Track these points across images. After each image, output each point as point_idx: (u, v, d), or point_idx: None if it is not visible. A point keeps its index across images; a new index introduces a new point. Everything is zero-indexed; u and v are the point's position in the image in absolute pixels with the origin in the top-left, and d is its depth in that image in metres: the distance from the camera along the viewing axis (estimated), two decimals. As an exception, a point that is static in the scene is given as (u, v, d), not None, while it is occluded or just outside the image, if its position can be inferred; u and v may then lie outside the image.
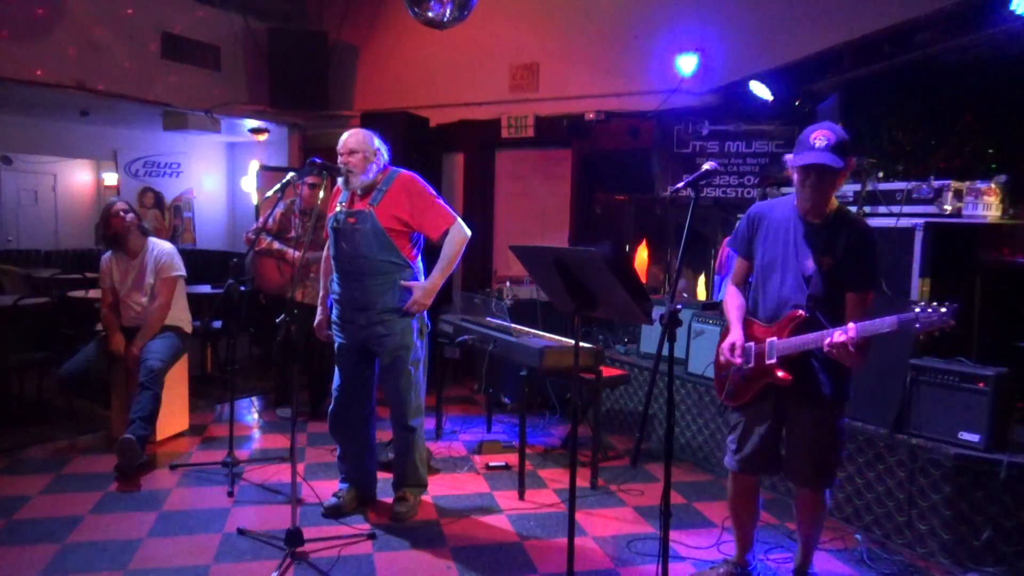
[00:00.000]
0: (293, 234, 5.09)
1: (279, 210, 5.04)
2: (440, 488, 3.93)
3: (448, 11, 4.59)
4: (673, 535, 3.31)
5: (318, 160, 3.27)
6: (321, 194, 3.36)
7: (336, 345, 3.53)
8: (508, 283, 5.90)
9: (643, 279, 6.02)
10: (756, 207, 2.84)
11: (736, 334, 2.71)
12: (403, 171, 3.47)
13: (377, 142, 3.43)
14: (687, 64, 5.63)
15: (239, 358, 6.16)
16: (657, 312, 2.45)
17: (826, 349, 2.41)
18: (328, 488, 3.75)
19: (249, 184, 9.20)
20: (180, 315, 4.57)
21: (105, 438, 4.55)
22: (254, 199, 8.68)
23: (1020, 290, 3.71)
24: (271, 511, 3.59)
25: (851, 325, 2.35)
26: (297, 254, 4.95)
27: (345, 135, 3.42)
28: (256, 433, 4.93)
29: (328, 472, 4.07)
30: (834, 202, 2.61)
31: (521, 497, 3.86)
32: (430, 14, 4.61)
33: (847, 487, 3.56)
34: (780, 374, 2.58)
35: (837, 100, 4.51)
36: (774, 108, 5.14)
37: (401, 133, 6.17)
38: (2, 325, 5.25)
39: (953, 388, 3.22)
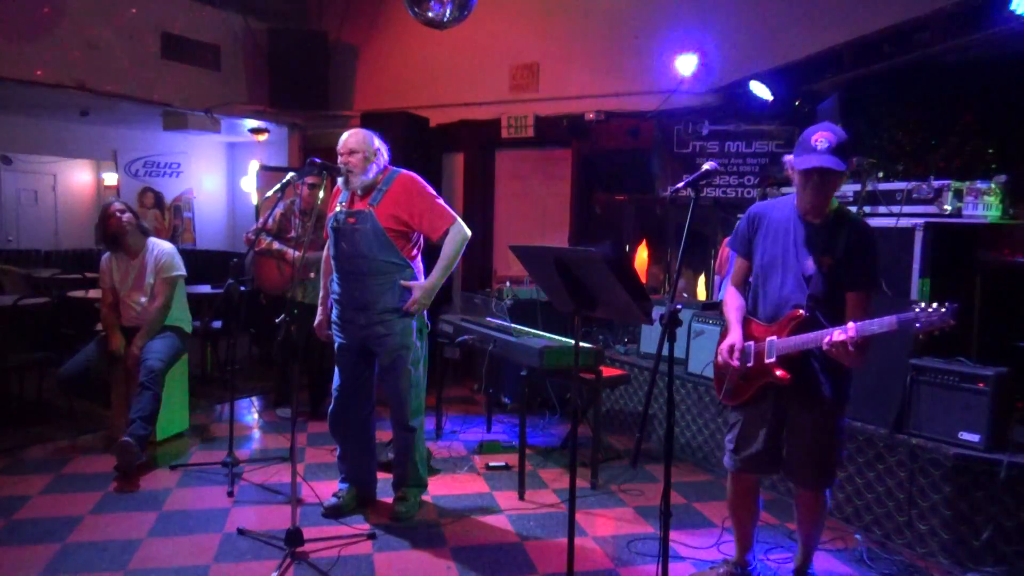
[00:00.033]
0: (293, 234, 5.09)
1: (279, 210, 5.04)
2: (440, 488, 3.94)
3: (448, 11, 4.60)
4: (673, 535, 3.31)
5: (318, 160, 3.27)
6: (321, 194, 3.36)
7: (336, 345, 3.53)
8: (508, 283, 5.90)
9: (643, 279, 6.02)
10: (756, 207, 2.84)
11: (735, 335, 2.71)
12: (403, 171, 3.47)
13: (377, 142, 3.43)
14: (687, 64, 5.63)
15: (239, 358, 6.16)
16: (657, 312, 2.45)
17: (825, 348, 2.41)
18: (328, 488, 3.75)
19: (249, 184, 9.20)
20: (180, 315, 4.57)
21: (105, 438, 4.55)
22: (254, 199, 8.68)
23: (1020, 290, 3.71)
24: (271, 511, 3.59)
25: (851, 324, 2.35)
26: (297, 254, 4.95)
27: (345, 135, 3.42)
28: (256, 433, 4.93)
29: (328, 472, 4.07)
30: (834, 202, 2.61)
31: (521, 497, 3.86)
32: (430, 14, 4.62)
33: (847, 487, 3.56)
34: (779, 373, 2.58)
35: (837, 100, 4.51)
36: (774, 108, 5.14)
37: (401, 133, 6.17)
38: (2, 325, 5.25)
39: (953, 388, 3.22)
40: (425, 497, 3.76)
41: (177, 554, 3.10)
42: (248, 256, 5.10)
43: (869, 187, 3.91)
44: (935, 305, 2.19)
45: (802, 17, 5.11)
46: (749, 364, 2.67)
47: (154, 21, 6.73)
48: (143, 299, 4.38)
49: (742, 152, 5.38)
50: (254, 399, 5.72)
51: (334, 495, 3.60)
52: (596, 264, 2.52)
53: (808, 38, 4.89)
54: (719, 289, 5.10)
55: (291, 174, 3.61)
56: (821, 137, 2.45)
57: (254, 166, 8.67)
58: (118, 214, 4.30)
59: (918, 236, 3.65)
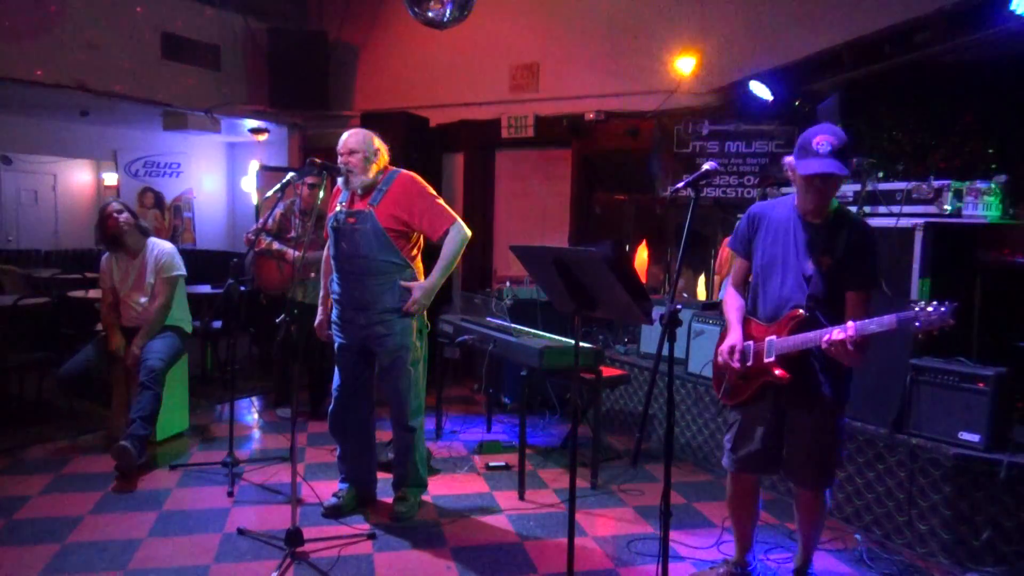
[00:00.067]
0: (293, 234, 5.09)
1: (279, 210, 5.04)
2: (440, 488, 3.93)
3: (448, 11, 4.60)
4: (673, 535, 3.31)
5: (318, 160, 3.27)
6: (321, 194, 3.35)
7: (336, 345, 3.53)
8: (508, 283, 5.90)
9: (643, 279, 6.02)
10: (756, 207, 2.84)
11: (735, 336, 2.71)
12: (403, 171, 3.48)
13: (377, 142, 3.43)
14: (687, 64, 5.63)
15: (239, 358, 6.16)
16: (657, 312, 2.45)
17: (824, 347, 2.41)
18: (328, 488, 3.75)
19: (249, 184, 9.20)
20: (180, 315, 4.57)
21: (105, 438, 4.55)
22: (254, 199, 8.68)
23: (1020, 290, 3.71)
24: (271, 511, 3.59)
25: (850, 324, 2.35)
26: (297, 254, 4.95)
27: (345, 135, 3.42)
28: (256, 433, 4.93)
29: (328, 472, 4.07)
30: (834, 202, 2.61)
31: (521, 497, 3.86)
32: (430, 14, 4.62)
33: (847, 487, 3.56)
34: (778, 372, 2.58)
35: (837, 100, 4.51)
36: (774, 108, 5.14)
37: (401, 133, 6.17)
38: (2, 325, 5.25)
39: (953, 388, 3.22)
40: (425, 497, 3.76)
41: (177, 554, 3.10)
42: (248, 256, 5.09)
43: (869, 187, 3.91)
44: (935, 304, 2.18)
45: (802, 17, 5.11)
46: (748, 364, 2.67)
47: (154, 21, 6.73)
48: (143, 299, 4.38)
49: (742, 152, 5.38)
50: (254, 399, 5.72)
51: (334, 495, 3.60)
52: (596, 264, 2.52)
53: (808, 38, 4.89)
54: (719, 289, 5.10)
55: (291, 174, 3.60)
56: (823, 140, 2.44)
57: (254, 166, 8.67)
58: (115, 215, 4.30)
59: (918, 236, 3.64)
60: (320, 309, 3.66)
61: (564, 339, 4.25)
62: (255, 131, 8.08)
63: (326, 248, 3.57)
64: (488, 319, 5.05)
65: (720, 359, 2.73)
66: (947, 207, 3.62)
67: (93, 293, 5.55)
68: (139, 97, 6.72)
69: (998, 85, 4.13)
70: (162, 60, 6.82)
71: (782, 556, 3.23)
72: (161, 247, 4.45)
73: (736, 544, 2.98)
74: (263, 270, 5.21)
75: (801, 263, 2.60)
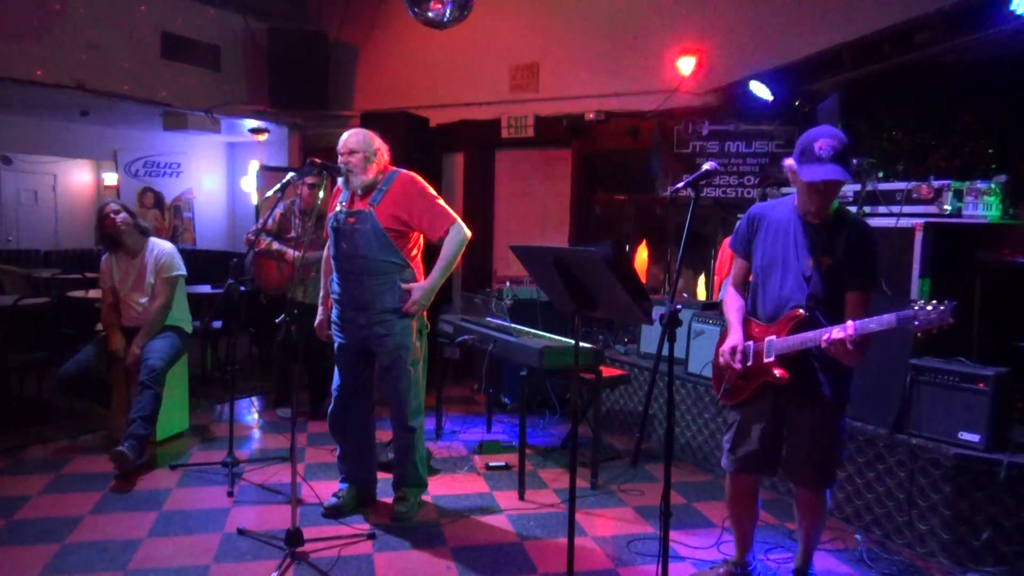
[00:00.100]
0: (293, 234, 5.09)
1: (279, 210, 5.04)
2: (440, 488, 3.93)
3: (448, 11, 4.60)
4: (673, 535, 3.31)
5: (318, 160, 3.27)
6: (321, 194, 3.36)
7: (336, 345, 3.53)
8: (508, 283, 5.90)
9: (643, 279, 6.02)
10: (756, 208, 2.84)
11: (736, 336, 2.71)
12: (403, 171, 3.47)
13: (377, 142, 3.43)
14: (687, 64, 5.63)
15: (239, 358, 6.16)
16: (657, 312, 2.45)
17: (824, 346, 2.41)
18: (328, 488, 3.75)
19: (249, 184, 9.20)
20: (180, 315, 4.57)
21: (105, 438, 4.55)
22: (254, 199, 8.68)
23: (1020, 290, 3.71)
24: (271, 511, 3.59)
25: (850, 323, 2.35)
26: (297, 254, 4.95)
27: (345, 135, 3.42)
28: (256, 433, 4.93)
29: (328, 472, 4.07)
30: (834, 202, 2.61)
31: (521, 497, 3.86)
32: (430, 14, 4.62)
33: (847, 487, 3.56)
34: (777, 372, 2.58)
35: (837, 100, 4.51)
36: (774, 108, 5.14)
37: (401, 133, 6.17)
38: (2, 325, 5.25)
39: (953, 388, 3.22)
40: (425, 497, 3.76)
41: (177, 554, 3.10)
42: (248, 256, 5.09)
43: (869, 187, 3.91)
44: (934, 303, 2.18)
45: (802, 17, 5.11)
46: (748, 363, 2.67)
47: (154, 21, 6.73)
48: (143, 299, 4.38)
49: (742, 152, 5.39)
50: (254, 399, 5.72)
51: (334, 495, 3.59)
52: (596, 264, 2.52)
53: (808, 38, 4.89)
54: (719, 289, 5.10)
55: (291, 174, 3.61)
56: (824, 144, 2.43)
57: (254, 166, 8.67)
58: (112, 215, 4.29)
59: (918, 236, 3.65)
60: (320, 309, 3.66)
61: (564, 339, 4.25)
62: (255, 131, 8.07)
63: (326, 248, 3.57)
64: (488, 319, 5.05)
65: (721, 359, 2.73)
66: (947, 207, 3.62)
67: (93, 293, 5.55)
68: (139, 97, 6.72)
69: (998, 85, 4.13)
70: (162, 60, 6.82)
71: (782, 556, 3.23)
72: (161, 247, 4.45)
73: (736, 544, 2.98)
74: (263, 270, 5.22)
75: (801, 263, 2.60)
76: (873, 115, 4.56)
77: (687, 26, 5.71)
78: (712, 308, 4.59)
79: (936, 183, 3.68)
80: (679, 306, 2.31)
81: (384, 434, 3.82)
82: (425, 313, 3.51)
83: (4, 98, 6.91)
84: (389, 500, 3.64)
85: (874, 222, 3.80)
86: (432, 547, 3.26)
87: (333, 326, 3.54)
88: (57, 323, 5.71)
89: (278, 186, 3.57)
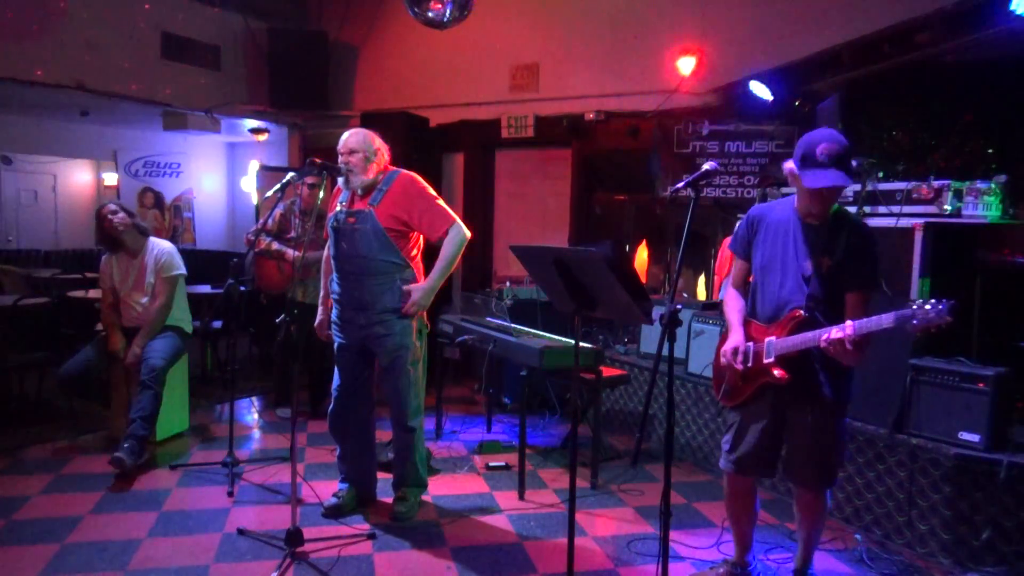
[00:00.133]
0: (293, 234, 5.09)
1: (279, 211, 5.04)
2: (440, 488, 3.93)
3: (448, 11, 4.60)
4: (673, 535, 3.31)
5: (318, 160, 3.27)
6: (321, 194, 3.36)
7: (336, 345, 3.53)
8: (508, 283, 5.90)
9: (643, 279, 6.02)
10: (755, 209, 2.84)
11: (737, 337, 2.71)
12: (403, 171, 3.47)
13: (378, 142, 3.43)
14: (687, 64, 5.63)
15: (239, 358, 6.16)
16: (657, 312, 2.45)
17: (823, 346, 2.41)
18: (328, 488, 3.75)
19: (249, 184, 9.20)
20: (181, 315, 4.57)
21: (105, 438, 4.55)
22: (254, 199, 8.68)
23: (1020, 290, 3.71)
24: (271, 511, 3.59)
25: (849, 323, 2.35)
26: (297, 254, 4.95)
27: (346, 135, 3.42)
28: (256, 433, 4.93)
29: (328, 472, 4.07)
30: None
31: (521, 497, 3.86)
32: (430, 14, 4.62)
33: (847, 487, 3.56)
34: (777, 373, 2.58)
35: (837, 100, 4.51)
36: (774, 108, 5.14)
37: (401, 133, 6.17)
38: (2, 325, 5.25)
39: (953, 388, 3.22)
40: (425, 497, 3.76)
41: (177, 554, 3.10)
42: (248, 256, 5.09)
43: (869, 187, 3.91)
44: (932, 302, 2.18)
45: (802, 17, 5.11)
46: (748, 364, 2.67)
47: (154, 21, 6.73)
48: (144, 299, 4.38)
49: (742, 152, 5.38)
50: (254, 399, 5.72)
51: (334, 495, 3.59)
52: (596, 264, 2.52)
53: (808, 38, 4.90)
54: (719, 289, 5.10)
55: (291, 174, 3.61)
56: (826, 148, 2.42)
57: (254, 166, 8.67)
58: (110, 216, 4.29)
59: (918, 236, 3.65)
60: (320, 309, 3.66)
61: (564, 339, 4.25)
62: (255, 131, 8.08)
63: (326, 248, 3.57)
64: (488, 319, 5.05)
65: (723, 360, 2.72)
66: (947, 207, 3.62)
67: (93, 293, 5.54)
68: (139, 97, 6.72)
69: (998, 85, 4.13)
70: (162, 60, 6.82)
71: (782, 556, 3.23)
72: (161, 247, 4.45)
73: (735, 544, 2.98)
74: (263, 270, 5.22)
75: (800, 264, 2.60)
76: (873, 115, 4.56)
77: (687, 26, 5.71)
78: (712, 308, 4.59)
79: (936, 183, 3.68)
80: (679, 306, 2.31)
81: (384, 434, 3.82)
82: (425, 313, 3.51)
83: (4, 98, 6.91)
84: (389, 500, 3.64)
85: (874, 222, 3.80)
86: (432, 547, 3.26)
87: (333, 326, 3.54)
88: (57, 323, 5.72)
89: (278, 186, 3.56)
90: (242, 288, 5.14)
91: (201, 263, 7.38)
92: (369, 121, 6.30)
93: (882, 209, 3.86)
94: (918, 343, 3.39)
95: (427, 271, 3.45)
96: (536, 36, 6.50)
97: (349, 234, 3.35)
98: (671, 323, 2.25)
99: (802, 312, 2.57)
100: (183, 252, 4.68)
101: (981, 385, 3.14)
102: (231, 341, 4.35)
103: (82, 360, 4.27)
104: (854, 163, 2.59)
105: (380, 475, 3.78)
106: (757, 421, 2.73)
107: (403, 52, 7.21)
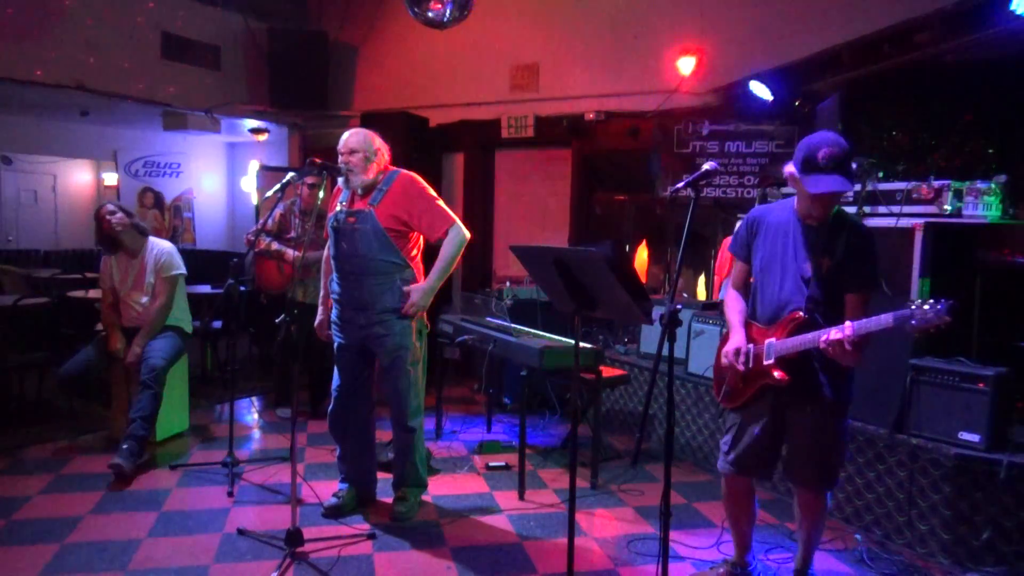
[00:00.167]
0: (293, 234, 5.09)
1: (279, 211, 5.04)
2: (440, 488, 3.94)
3: (448, 11, 4.60)
4: (673, 535, 3.31)
5: (318, 160, 3.27)
6: (321, 194, 3.36)
7: (336, 345, 3.53)
8: (508, 283, 5.90)
9: (643, 279, 6.02)
10: (755, 211, 2.85)
11: (739, 338, 2.70)
12: (403, 171, 3.47)
13: (378, 142, 3.43)
14: (687, 64, 5.63)
15: (239, 358, 6.16)
16: (657, 312, 2.45)
17: (822, 347, 2.41)
18: (328, 488, 3.75)
19: (249, 184, 9.21)
20: (181, 315, 4.57)
21: (105, 438, 4.55)
22: (254, 199, 8.69)
23: (1020, 290, 3.71)
24: (271, 511, 3.59)
25: (848, 323, 2.36)
26: (297, 254, 4.95)
27: (346, 134, 3.42)
28: (256, 433, 4.93)
29: (328, 472, 4.07)
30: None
31: (521, 497, 3.86)
32: (430, 14, 4.62)
33: (847, 487, 3.56)
34: (777, 374, 2.58)
35: (837, 100, 4.51)
36: (774, 108, 5.14)
37: (401, 133, 6.17)
38: (2, 325, 5.25)
39: (953, 388, 3.22)
40: (425, 497, 3.76)
41: (177, 554, 3.10)
42: (248, 256, 5.09)
43: (869, 187, 3.91)
44: (931, 302, 2.18)
45: (802, 17, 5.11)
46: (748, 366, 2.67)
47: (154, 21, 6.73)
48: (144, 299, 4.38)
49: (742, 152, 5.39)
50: (254, 399, 5.72)
51: (334, 495, 3.59)
52: (596, 264, 2.52)
53: (808, 38, 4.90)
54: (719, 289, 5.10)
55: (291, 174, 3.61)
56: (827, 153, 2.41)
57: (254, 166, 8.68)
58: (108, 216, 4.29)
59: (918, 236, 3.65)
60: (320, 309, 3.66)
61: (564, 339, 4.25)
62: (255, 131, 8.08)
63: (326, 248, 3.57)
64: (488, 319, 5.05)
65: (724, 361, 2.72)
66: (947, 207, 3.62)
67: (93, 293, 5.54)
68: (139, 97, 6.72)
69: (998, 85, 4.14)
70: (162, 60, 6.82)
71: (782, 556, 3.23)
72: (160, 246, 4.45)
73: (735, 545, 2.98)
74: (263, 270, 5.21)
75: (800, 265, 2.60)
76: (873, 115, 4.56)
77: (687, 26, 5.71)
78: (712, 308, 4.59)
79: (936, 183, 3.68)
80: (679, 306, 2.31)
81: (384, 434, 3.82)
82: (425, 313, 3.51)
83: (4, 98, 6.91)
84: (389, 500, 3.64)
85: (874, 222, 3.81)
86: (432, 547, 3.26)
87: (333, 326, 3.54)
88: (57, 323, 5.72)
89: (278, 186, 3.56)
90: (242, 288, 5.14)
91: (201, 263, 7.38)
92: (369, 121, 6.31)
93: (882, 209, 3.86)
94: (918, 343, 3.40)
95: (427, 271, 3.45)
96: (536, 36, 6.50)
97: (349, 234, 3.35)
98: (671, 323, 2.24)
99: (802, 314, 2.57)
100: (183, 252, 4.68)
101: (981, 385, 3.14)
102: (231, 341, 4.35)
103: (82, 360, 4.27)
104: (853, 166, 2.59)
105: (380, 475, 3.78)
106: (756, 422, 2.73)
107: (403, 52, 7.21)
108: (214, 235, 9.98)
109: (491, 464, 4.33)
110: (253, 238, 4.71)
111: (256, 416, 5.31)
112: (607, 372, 4.33)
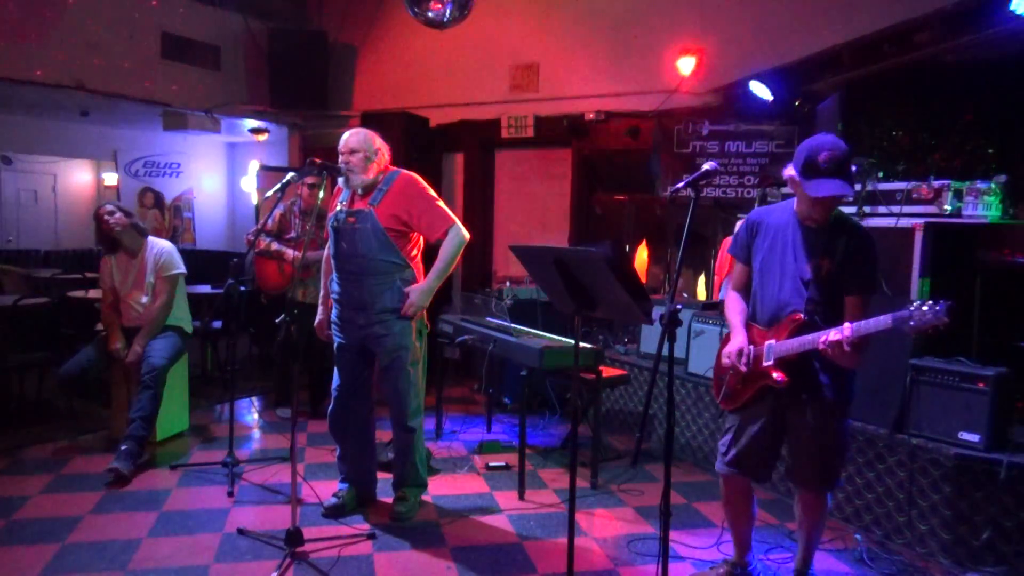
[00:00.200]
0: (293, 234, 5.09)
1: (279, 211, 5.04)
2: (440, 488, 3.94)
3: (448, 11, 4.61)
4: (673, 535, 3.31)
5: (318, 160, 3.27)
6: (321, 194, 3.36)
7: (336, 345, 3.53)
8: (508, 283, 5.90)
9: (643, 279, 6.02)
10: (755, 213, 2.85)
11: (741, 339, 2.70)
12: (404, 171, 3.47)
13: (378, 142, 3.43)
14: (687, 64, 5.63)
15: (239, 358, 6.16)
16: (657, 312, 2.45)
17: (821, 348, 2.41)
18: (328, 488, 3.75)
19: (249, 184, 9.21)
20: (181, 315, 4.57)
21: (105, 438, 4.55)
22: (254, 199, 8.69)
23: (1020, 290, 3.71)
24: (271, 511, 3.59)
25: (847, 324, 2.36)
26: (297, 254, 4.95)
27: (347, 134, 3.42)
28: (256, 433, 4.93)
29: (328, 472, 4.07)
30: None
31: (521, 497, 3.86)
32: (430, 14, 4.63)
33: (847, 487, 3.56)
34: (776, 376, 2.58)
35: (837, 100, 4.51)
36: (774, 108, 5.14)
37: (401, 133, 6.17)
38: (2, 325, 5.25)
39: (953, 388, 3.22)
40: (425, 497, 3.76)
41: (177, 554, 3.10)
42: (248, 256, 5.09)
43: (869, 187, 3.91)
44: (929, 303, 2.18)
45: (802, 17, 5.11)
46: (749, 367, 2.67)
47: (154, 21, 6.73)
48: (144, 298, 4.38)
49: (742, 152, 5.39)
50: (254, 399, 5.72)
51: (334, 495, 3.59)
52: (596, 264, 2.52)
53: (808, 38, 4.90)
54: (719, 289, 5.10)
55: (291, 174, 3.60)
56: (827, 156, 2.41)
57: (254, 166, 8.68)
58: (106, 216, 4.29)
59: (918, 236, 3.65)
60: (320, 309, 3.66)
61: (564, 339, 4.25)
62: (255, 131, 8.08)
63: (326, 248, 3.57)
64: (488, 319, 5.05)
65: (726, 361, 2.72)
66: (947, 207, 3.62)
67: (93, 293, 5.54)
68: (139, 97, 6.72)
69: (998, 85, 4.14)
70: (162, 60, 6.82)
71: (782, 556, 3.23)
72: (160, 246, 4.45)
73: (734, 546, 2.98)
74: (263, 270, 5.21)
75: (799, 267, 2.61)
76: (873, 115, 4.56)
77: (687, 26, 5.71)
78: (712, 308, 4.59)
79: (936, 183, 3.68)
80: (679, 306, 2.31)
81: (384, 434, 3.82)
82: (425, 313, 3.51)
83: (4, 98, 6.91)
84: (389, 500, 3.64)
85: (874, 222, 3.81)
86: (432, 547, 3.26)
87: (333, 326, 3.54)
88: (57, 323, 5.71)
89: (278, 186, 3.56)
90: (242, 288, 5.14)
91: (201, 263, 7.38)
92: (369, 121, 6.31)
93: (882, 209, 3.86)
94: (918, 343, 3.40)
95: (427, 271, 3.45)
96: (536, 36, 6.50)
97: (349, 233, 3.35)
98: (671, 323, 2.24)
99: (802, 315, 2.57)
100: (183, 252, 4.68)
101: (981, 385, 3.14)
102: (231, 341, 4.35)
103: (82, 360, 4.27)
104: (854, 168, 2.59)
105: (380, 475, 3.78)
106: (755, 423, 2.73)
107: (403, 52, 7.21)
108: (214, 235, 9.98)
109: (491, 464, 4.33)
110: (253, 238, 4.71)
111: (256, 416, 5.31)
112: (607, 372, 4.33)
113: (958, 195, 3.62)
